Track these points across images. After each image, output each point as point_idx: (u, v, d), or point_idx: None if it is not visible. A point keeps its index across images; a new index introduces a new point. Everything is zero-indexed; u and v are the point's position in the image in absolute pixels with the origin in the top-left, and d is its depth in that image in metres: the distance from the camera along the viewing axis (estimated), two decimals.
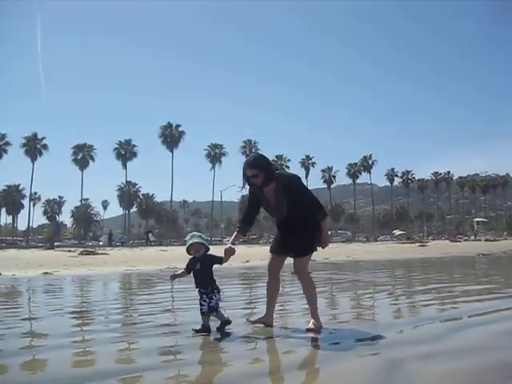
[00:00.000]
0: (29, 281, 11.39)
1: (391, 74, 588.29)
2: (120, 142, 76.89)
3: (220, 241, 69.60)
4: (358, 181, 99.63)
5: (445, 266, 16.31)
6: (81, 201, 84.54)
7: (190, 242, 4.37)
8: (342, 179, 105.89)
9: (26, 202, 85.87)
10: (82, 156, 75.24)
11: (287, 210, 4.46)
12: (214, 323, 4.49)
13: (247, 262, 19.55)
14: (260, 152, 4.23)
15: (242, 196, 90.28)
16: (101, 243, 61.11)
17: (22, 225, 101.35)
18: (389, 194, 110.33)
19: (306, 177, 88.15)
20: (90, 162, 76.10)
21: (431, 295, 7.25)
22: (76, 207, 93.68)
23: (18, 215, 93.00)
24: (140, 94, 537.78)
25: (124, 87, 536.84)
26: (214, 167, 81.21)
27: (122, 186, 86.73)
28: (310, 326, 4.42)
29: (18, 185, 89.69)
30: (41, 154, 72.13)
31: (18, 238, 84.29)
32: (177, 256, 22.09)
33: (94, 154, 76.13)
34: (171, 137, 76.17)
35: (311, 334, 4.27)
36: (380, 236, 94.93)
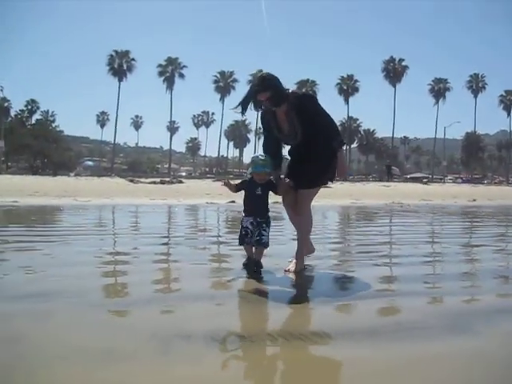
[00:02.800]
0: None
1: None
2: (342, 77, 76.73)
3: (441, 179, 66.32)
4: None
5: None
6: None
7: (261, 169, 3.83)
8: None
9: (251, 136, 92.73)
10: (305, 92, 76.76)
11: (301, 136, 3.89)
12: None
13: (474, 200, 18.67)
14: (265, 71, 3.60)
15: (467, 133, 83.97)
16: None
17: (247, 158, 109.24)
18: None
19: None
20: None
21: None
22: None
23: (244, 149, 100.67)
24: (362, 29, 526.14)
25: (345, 24, 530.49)
26: (437, 103, 76.90)
27: (344, 121, 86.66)
28: (291, 267, 4.02)
29: (245, 120, 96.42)
30: None
31: (244, 171, 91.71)
32: (399, 192, 21.93)
33: (316, 89, 77.16)
34: (394, 71, 73.29)
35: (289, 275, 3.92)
36: None
